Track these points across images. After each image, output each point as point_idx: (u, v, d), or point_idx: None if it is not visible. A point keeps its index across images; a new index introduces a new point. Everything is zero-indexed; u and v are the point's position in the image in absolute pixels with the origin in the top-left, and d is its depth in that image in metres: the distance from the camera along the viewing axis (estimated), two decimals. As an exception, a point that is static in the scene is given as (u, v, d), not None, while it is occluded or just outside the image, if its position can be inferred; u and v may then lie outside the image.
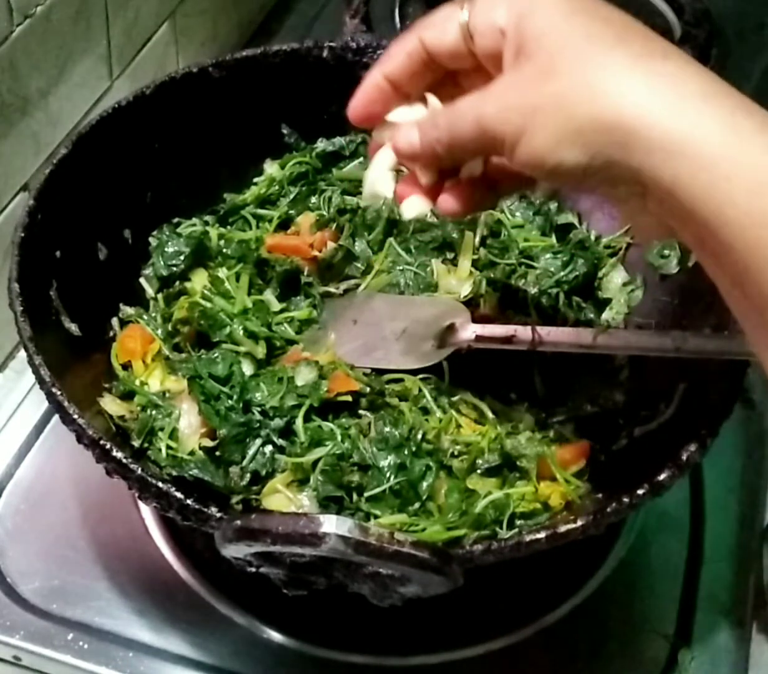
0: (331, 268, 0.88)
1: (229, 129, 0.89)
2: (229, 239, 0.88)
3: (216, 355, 0.77)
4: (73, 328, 0.76)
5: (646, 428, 0.75)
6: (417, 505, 0.71)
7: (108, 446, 0.63)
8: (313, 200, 0.91)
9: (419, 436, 0.75)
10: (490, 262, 0.87)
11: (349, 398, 0.76)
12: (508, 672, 0.79)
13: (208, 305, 0.82)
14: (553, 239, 0.90)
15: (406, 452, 0.73)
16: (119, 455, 0.63)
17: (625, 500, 0.63)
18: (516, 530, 0.70)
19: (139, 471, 0.63)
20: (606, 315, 0.86)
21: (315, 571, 0.59)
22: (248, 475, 0.72)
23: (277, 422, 0.74)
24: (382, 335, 0.84)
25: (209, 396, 0.74)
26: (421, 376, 0.80)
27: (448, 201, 0.60)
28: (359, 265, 0.88)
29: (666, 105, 0.48)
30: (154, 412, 0.75)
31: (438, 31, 0.57)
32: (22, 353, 0.84)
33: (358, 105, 0.61)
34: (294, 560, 0.58)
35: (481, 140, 0.54)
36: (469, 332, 0.80)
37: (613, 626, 0.81)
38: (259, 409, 0.74)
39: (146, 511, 0.85)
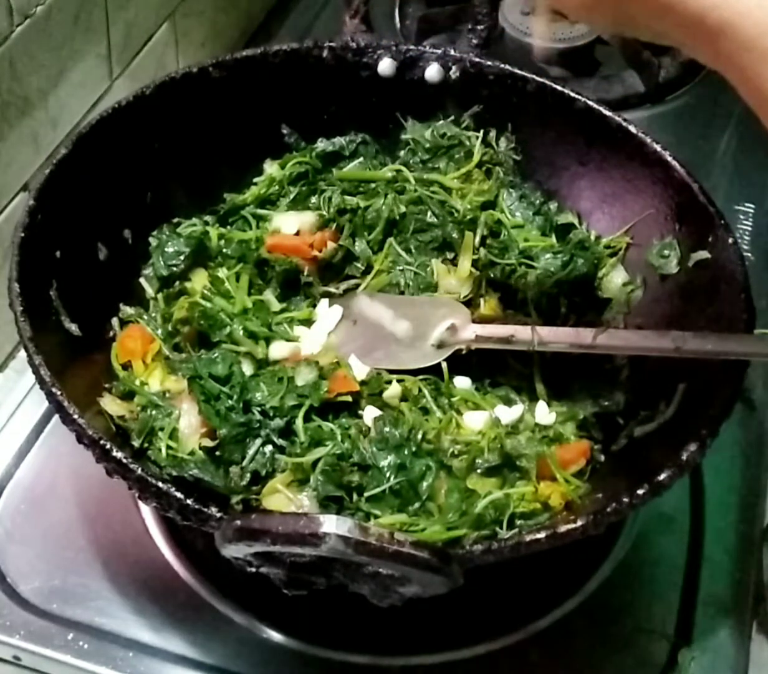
0: (331, 268, 0.88)
1: (229, 129, 0.89)
2: (229, 239, 0.88)
3: (216, 355, 0.77)
4: (73, 328, 0.76)
5: (646, 428, 0.75)
6: (417, 505, 0.71)
7: (108, 446, 0.63)
8: (313, 200, 0.91)
9: (419, 436, 0.75)
10: (490, 262, 0.88)
11: (349, 398, 0.76)
12: (508, 672, 0.78)
13: (208, 305, 0.82)
14: (553, 239, 0.90)
15: (406, 452, 0.73)
16: (119, 455, 0.63)
17: (625, 500, 0.63)
18: (516, 530, 0.70)
19: (139, 471, 0.63)
20: (606, 315, 0.86)
21: (315, 571, 0.59)
22: (248, 475, 0.72)
23: (277, 422, 0.74)
24: (382, 335, 0.84)
25: (209, 396, 0.74)
26: (421, 376, 0.80)
27: None
28: (359, 265, 0.88)
29: None
30: (154, 412, 0.75)
31: None
32: (22, 353, 0.84)
33: None
34: (294, 560, 0.58)
35: None
36: (469, 332, 0.80)
37: (613, 626, 0.81)
38: (259, 409, 0.74)
39: (146, 511, 0.84)
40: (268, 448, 0.74)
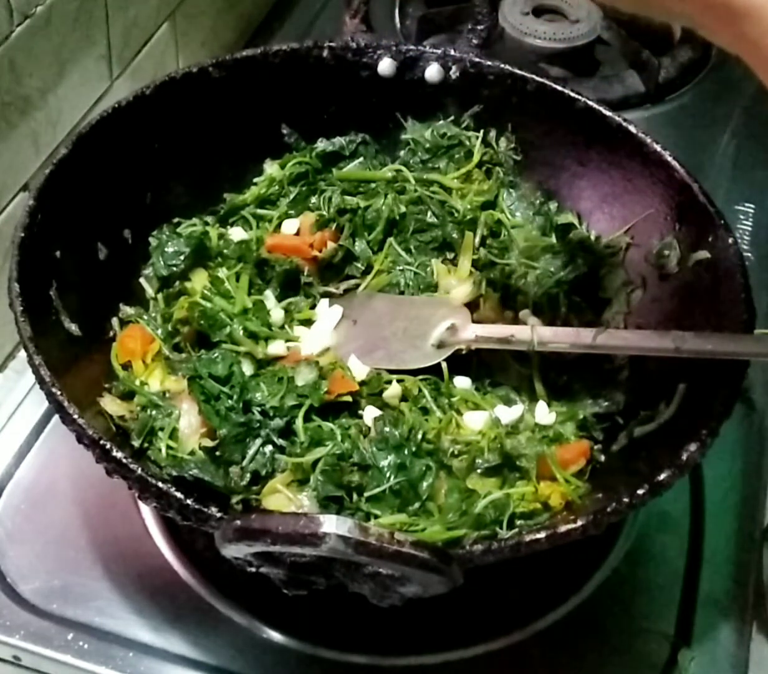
0: (331, 268, 0.88)
1: (229, 129, 0.89)
2: (229, 239, 0.88)
3: (216, 355, 0.77)
4: (73, 328, 0.76)
5: (646, 428, 0.75)
6: (417, 505, 0.71)
7: (108, 446, 0.63)
8: (313, 200, 0.91)
9: (419, 436, 0.75)
10: (490, 262, 0.88)
11: (349, 398, 0.76)
12: (508, 672, 0.78)
13: (208, 305, 0.82)
14: (553, 239, 0.90)
15: (406, 452, 0.73)
16: (119, 455, 0.63)
17: (625, 500, 0.63)
18: (516, 530, 0.70)
19: (139, 471, 0.63)
20: (606, 315, 0.86)
21: (315, 571, 0.59)
22: (248, 475, 0.72)
23: (277, 422, 0.74)
24: (382, 335, 0.84)
25: (209, 396, 0.74)
26: (421, 376, 0.80)
27: None
28: (359, 265, 0.88)
29: None
30: (154, 412, 0.75)
31: None
32: (22, 353, 0.84)
33: None
34: (294, 560, 0.58)
35: None
36: (469, 332, 0.80)
37: (613, 626, 0.81)
38: (259, 409, 0.74)
39: (146, 511, 0.84)
40: (268, 448, 0.74)
